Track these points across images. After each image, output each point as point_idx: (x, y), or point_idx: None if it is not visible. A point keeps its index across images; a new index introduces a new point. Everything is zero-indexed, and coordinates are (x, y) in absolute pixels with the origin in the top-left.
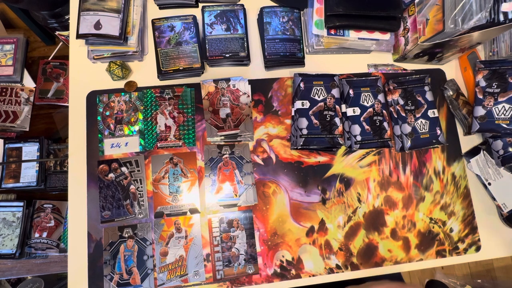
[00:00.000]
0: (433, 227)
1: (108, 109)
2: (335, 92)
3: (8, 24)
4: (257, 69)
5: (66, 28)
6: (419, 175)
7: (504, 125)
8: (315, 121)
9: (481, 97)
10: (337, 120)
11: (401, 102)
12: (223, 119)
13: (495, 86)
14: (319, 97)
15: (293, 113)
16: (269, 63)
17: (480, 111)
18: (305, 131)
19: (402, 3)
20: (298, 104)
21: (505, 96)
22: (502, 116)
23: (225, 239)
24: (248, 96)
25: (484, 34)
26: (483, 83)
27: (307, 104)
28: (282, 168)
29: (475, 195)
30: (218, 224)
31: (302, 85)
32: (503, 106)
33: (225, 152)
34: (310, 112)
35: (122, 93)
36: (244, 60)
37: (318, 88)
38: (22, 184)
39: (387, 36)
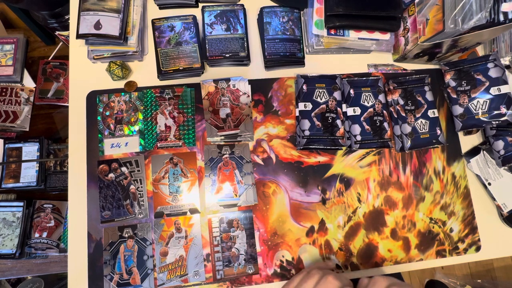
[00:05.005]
0: (433, 227)
1: (108, 109)
2: (337, 94)
3: (8, 24)
4: (257, 69)
5: (66, 28)
6: (419, 175)
7: (484, 119)
8: (317, 122)
9: (455, 96)
10: (338, 122)
11: (401, 102)
12: (223, 119)
13: (465, 84)
14: (321, 99)
15: (297, 114)
16: (269, 63)
17: (458, 110)
18: (307, 133)
19: (402, 3)
20: (301, 106)
21: (477, 92)
22: (480, 110)
23: (225, 239)
24: (248, 96)
25: (484, 34)
26: (453, 83)
27: (309, 106)
28: (282, 168)
29: (475, 195)
30: (218, 224)
31: (305, 87)
32: (478, 101)
33: (225, 152)
34: (313, 114)
35: (122, 93)
36: (244, 60)
37: (320, 90)
38: (22, 184)
39: (387, 36)
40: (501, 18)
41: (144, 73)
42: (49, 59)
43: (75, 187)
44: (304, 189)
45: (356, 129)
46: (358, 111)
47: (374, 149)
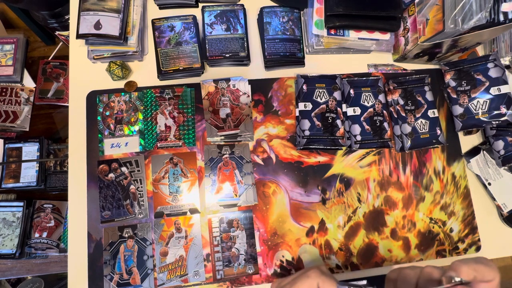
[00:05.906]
0: (433, 227)
1: (108, 109)
2: (337, 94)
3: (8, 24)
4: (257, 69)
5: (66, 28)
6: (419, 175)
7: (484, 119)
8: (317, 122)
9: (455, 96)
10: (338, 122)
11: (401, 102)
12: (223, 119)
13: (465, 84)
14: (321, 99)
15: (297, 114)
16: (269, 63)
17: (458, 110)
18: (307, 133)
19: (402, 3)
20: (301, 106)
21: (477, 92)
22: (480, 110)
23: (225, 239)
24: (248, 96)
25: (484, 34)
26: (453, 83)
27: (309, 106)
28: (282, 168)
29: (475, 195)
30: (218, 224)
31: (305, 87)
32: (478, 101)
33: (225, 152)
34: (313, 114)
35: (122, 93)
36: (244, 60)
37: (320, 90)
38: (22, 184)
39: (387, 36)
40: (501, 18)
41: (144, 73)
42: (49, 59)
43: (75, 187)
44: (304, 189)
45: (356, 129)
46: (358, 111)
47: (374, 149)
